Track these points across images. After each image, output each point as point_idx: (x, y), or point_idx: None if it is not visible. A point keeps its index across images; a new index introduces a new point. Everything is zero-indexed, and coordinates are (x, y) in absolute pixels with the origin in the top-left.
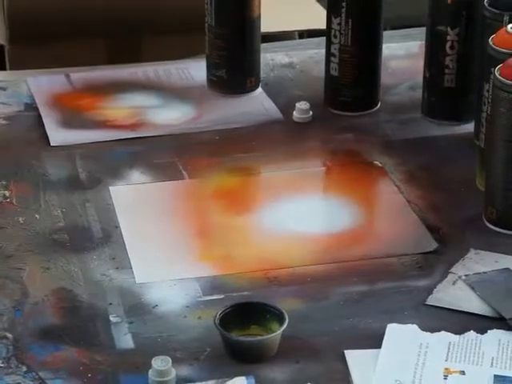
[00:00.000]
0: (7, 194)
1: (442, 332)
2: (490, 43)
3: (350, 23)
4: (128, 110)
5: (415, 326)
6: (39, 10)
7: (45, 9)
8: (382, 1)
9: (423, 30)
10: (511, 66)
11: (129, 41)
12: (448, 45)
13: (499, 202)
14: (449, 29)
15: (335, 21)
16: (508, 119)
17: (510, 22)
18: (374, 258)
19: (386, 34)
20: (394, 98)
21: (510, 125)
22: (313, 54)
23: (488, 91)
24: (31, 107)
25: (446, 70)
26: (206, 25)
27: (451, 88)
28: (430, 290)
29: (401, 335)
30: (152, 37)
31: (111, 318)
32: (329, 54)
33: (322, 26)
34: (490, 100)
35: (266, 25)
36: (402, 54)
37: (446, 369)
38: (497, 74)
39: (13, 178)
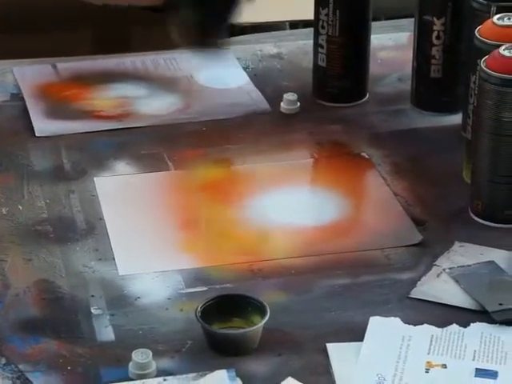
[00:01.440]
0: None
1: (425, 325)
2: (477, 34)
3: (338, 14)
4: (114, 101)
5: (398, 319)
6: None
7: None
8: None
9: (412, 20)
10: (497, 58)
11: (116, 31)
12: (434, 35)
13: (485, 195)
14: (435, 19)
15: (323, 11)
16: (494, 111)
17: (496, 13)
18: (358, 251)
19: (374, 24)
20: (382, 89)
21: (495, 117)
22: (301, 45)
23: (474, 83)
24: (17, 97)
25: (433, 61)
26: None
27: (438, 78)
28: (413, 283)
29: (383, 328)
30: (139, 27)
31: (92, 310)
32: (317, 45)
33: (311, 16)
34: (476, 92)
35: (255, 15)
36: (391, 44)
37: (428, 362)
38: (483, 65)
39: None
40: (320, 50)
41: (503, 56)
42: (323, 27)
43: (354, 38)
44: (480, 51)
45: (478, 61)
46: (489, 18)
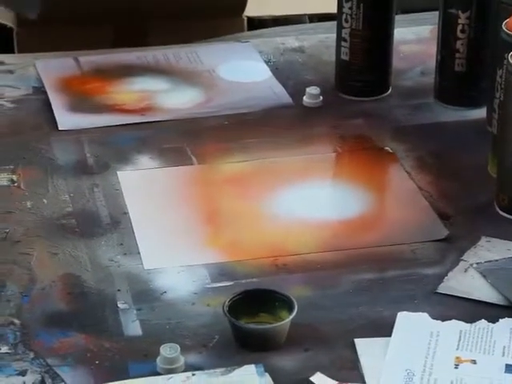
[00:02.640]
0: (15, 178)
1: (453, 320)
2: (504, 28)
3: (362, 7)
4: (137, 94)
5: (426, 315)
6: None
7: None
8: None
9: (434, 14)
10: None
11: (136, 26)
12: (459, 28)
13: (511, 189)
14: (460, 12)
15: (346, 5)
16: None
17: None
18: (384, 246)
19: (397, 18)
20: (405, 82)
21: None
22: (323, 39)
23: (501, 77)
24: (39, 91)
25: (457, 54)
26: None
27: (462, 72)
28: (440, 278)
29: (411, 324)
30: (161, 21)
31: (119, 305)
32: (340, 39)
33: (333, 10)
34: (502, 86)
35: (277, 8)
36: (413, 38)
37: (457, 358)
38: (510, 59)
39: (20, 162)
40: (343, 43)
41: None
42: (347, 21)
43: (377, 32)
44: (507, 45)
45: (506, 54)
46: None
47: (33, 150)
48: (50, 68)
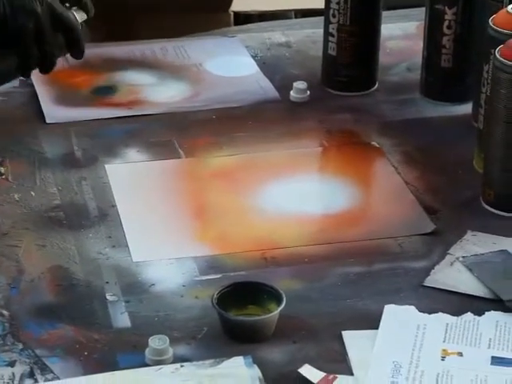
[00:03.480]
0: (2, 170)
1: (440, 313)
2: (491, 24)
3: (349, 3)
4: (124, 88)
5: (412, 307)
6: None
7: None
8: None
9: (422, 10)
10: None
11: (123, 20)
12: (445, 24)
13: (497, 184)
14: (446, 8)
15: (334, 0)
16: (508, 100)
17: (510, 3)
18: (371, 239)
19: (384, 14)
20: (391, 78)
21: (509, 106)
22: (310, 34)
23: (488, 72)
24: (26, 84)
25: (443, 50)
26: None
27: (448, 68)
28: (427, 272)
29: (398, 316)
30: (147, 16)
31: (108, 297)
32: (327, 34)
33: (320, 5)
34: (489, 81)
35: (263, 3)
36: (400, 34)
37: (444, 350)
38: (497, 54)
39: (8, 154)
40: (330, 38)
41: None
42: (334, 16)
43: (364, 27)
44: (494, 40)
45: (492, 50)
46: (501, 7)
47: (20, 142)
48: None
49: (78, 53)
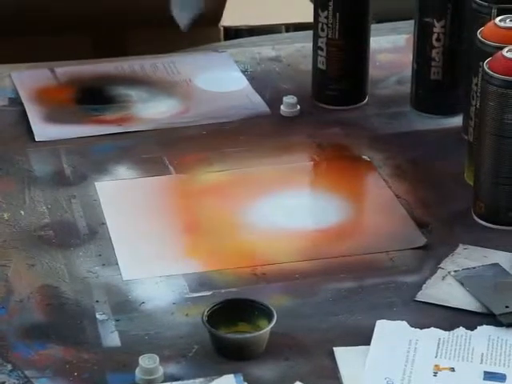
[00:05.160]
0: None
1: (432, 328)
2: (479, 36)
3: (338, 16)
4: (114, 105)
5: (404, 323)
6: (24, 3)
7: (29, 2)
8: None
9: (410, 23)
10: (500, 60)
11: (112, 36)
12: (434, 37)
13: (488, 197)
14: (435, 21)
15: (322, 14)
16: (496, 113)
17: (498, 15)
18: (362, 254)
19: (372, 27)
20: (382, 91)
21: (498, 118)
22: (300, 48)
23: (476, 85)
24: (15, 102)
25: (433, 63)
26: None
27: (438, 81)
28: (419, 286)
29: (390, 332)
30: (137, 31)
31: (97, 316)
32: (316, 48)
33: (309, 19)
34: (478, 94)
35: (253, 18)
36: (389, 47)
37: (436, 365)
38: (486, 67)
39: None
40: (320, 52)
41: (506, 58)
42: (323, 30)
43: (353, 41)
44: (482, 53)
45: (481, 63)
46: (489, 20)
47: (10, 161)
48: (26, 79)
49: None
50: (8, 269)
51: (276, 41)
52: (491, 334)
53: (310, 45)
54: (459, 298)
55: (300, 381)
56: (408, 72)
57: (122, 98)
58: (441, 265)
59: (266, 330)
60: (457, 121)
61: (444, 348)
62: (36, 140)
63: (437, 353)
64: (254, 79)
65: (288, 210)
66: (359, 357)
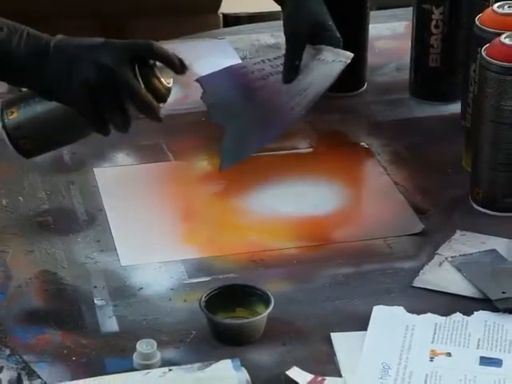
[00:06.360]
0: None
1: (429, 314)
2: (477, 23)
3: (337, 3)
4: None
5: (401, 308)
6: None
7: None
8: None
9: (409, 9)
10: (498, 46)
11: (111, 24)
12: (433, 24)
13: (485, 183)
14: (434, 7)
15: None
16: (494, 99)
17: (496, 2)
18: (360, 240)
19: (371, 14)
20: (380, 78)
21: (496, 105)
22: None
23: (475, 71)
24: (15, 88)
25: (431, 50)
26: None
27: (436, 67)
28: (416, 272)
29: (387, 317)
30: (137, 19)
31: (96, 301)
32: None
33: None
34: (476, 80)
35: (252, 5)
36: (389, 34)
37: (432, 350)
38: (483, 53)
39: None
40: None
41: (504, 44)
42: None
43: (352, 28)
44: (480, 39)
45: (479, 49)
46: (487, 6)
47: (8, 146)
48: None
49: (150, 118)
50: (7, 254)
51: (275, 28)
52: (488, 319)
53: None
54: (456, 283)
55: (297, 366)
56: (407, 59)
57: None
58: (438, 251)
59: (264, 315)
60: (455, 107)
61: (440, 333)
62: None
63: (433, 338)
64: None
65: (286, 197)
66: (356, 342)
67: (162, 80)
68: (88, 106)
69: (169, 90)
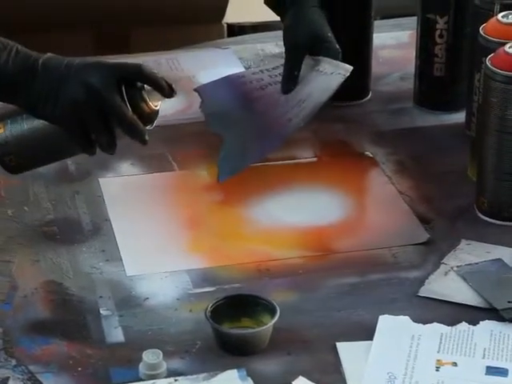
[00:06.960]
0: None
1: (434, 323)
2: (481, 32)
3: (341, 13)
4: None
5: (407, 318)
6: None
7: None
8: None
9: (413, 19)
10: (502, 56)
11: (116, 33)
12: (437, 33)
13: (490, 192)
14: (438, 17)
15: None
16: (499, 109)
17: (500, 11)
18: (365, 250)
19: (376, 23)
20: (384, 87)
21: (501, 114)
22: None
23: (479, 81)
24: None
25: (436, 59)
26: None
27: (441, 77)
28: (421, 282)
29: (393, 327)
30: (140, 29)
31: (101, 311)
32: None
33: None
34: (481, 90)
35: (256, 15)
36: (393, 43)
37: (438, 360)
38: (488, 63)
39: (1, 169)
40: None
41: (508, 54)
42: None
43: (356, 37)
44: (484, 49)
45: (483, 59)
46: (492, 16)
47: None
48: None
49: (136, 140)
50: (12, 264)
51: (279, 37)
52: (493, 328)
53: None
54: (462, 293)
55: (302, 375)
56: (411, 68)
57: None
58: (443, 260)
59: (269, 325)
60: (459, 117)
61: (446, 343)
62: None
63: (439, 348)
64: None
65: (291, 206)
66: (362, 352)
67: (150, 103)
68: (75, 125)
69: (156, 112)
